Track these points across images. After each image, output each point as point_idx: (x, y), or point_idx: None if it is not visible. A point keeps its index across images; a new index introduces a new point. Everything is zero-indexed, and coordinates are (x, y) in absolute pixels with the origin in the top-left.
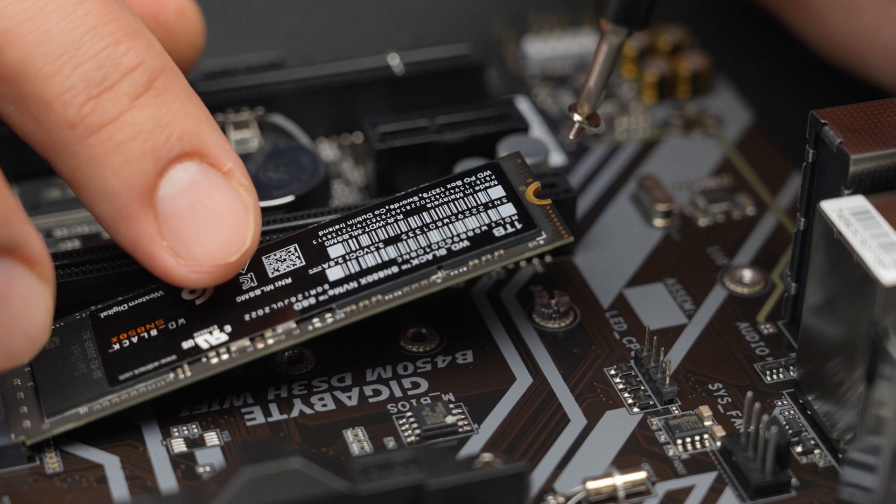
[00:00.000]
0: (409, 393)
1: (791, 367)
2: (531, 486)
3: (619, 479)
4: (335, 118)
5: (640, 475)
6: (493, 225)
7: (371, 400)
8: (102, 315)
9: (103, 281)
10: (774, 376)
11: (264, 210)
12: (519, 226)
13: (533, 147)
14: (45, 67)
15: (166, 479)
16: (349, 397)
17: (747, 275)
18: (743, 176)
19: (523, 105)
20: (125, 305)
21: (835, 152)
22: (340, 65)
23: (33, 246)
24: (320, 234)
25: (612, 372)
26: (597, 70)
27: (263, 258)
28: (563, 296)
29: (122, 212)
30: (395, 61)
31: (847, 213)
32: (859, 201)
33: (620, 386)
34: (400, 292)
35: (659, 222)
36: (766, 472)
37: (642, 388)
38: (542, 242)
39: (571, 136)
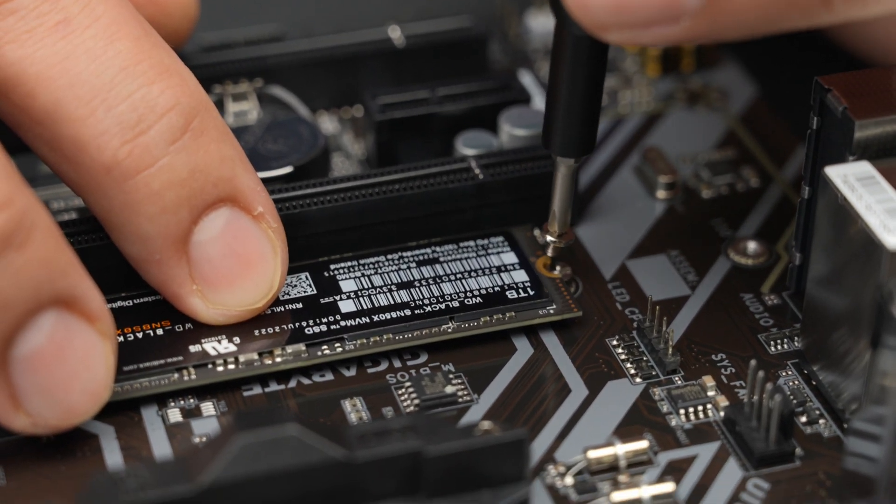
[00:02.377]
0: (409, 364)
1: (796, 338)
2: (531, 455)
3: (621, 449)
4: (335, 91)
5: (642, 444)
6: (506, 287)
7: (370, 370)
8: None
9: (102, 251)
10: (779, 347)
11: (262, 180)
12: (531, 292)
13: (535, 119)
14: (77, 111)
15: (162, 449)
16: (348, 368)
17: (751, 246)
18: (747, 149)
19: (526, 79)
20: (130, 301)
21: (839, 118)
22: (341, 37)
23: (93, 301)
24: (332, 267)
25: (615, 342)
26: (557, 195)
27: None
28: (566, 267)
29: (154, 256)
30: (395, 34)
31: (852, 178)
32: (864, 167)
33: (623, 356)
34: (411, 335)
35: (662, 194)
36: (769, 442)
37: (645, 358)
38: (551, 312)
39: (549, 254)
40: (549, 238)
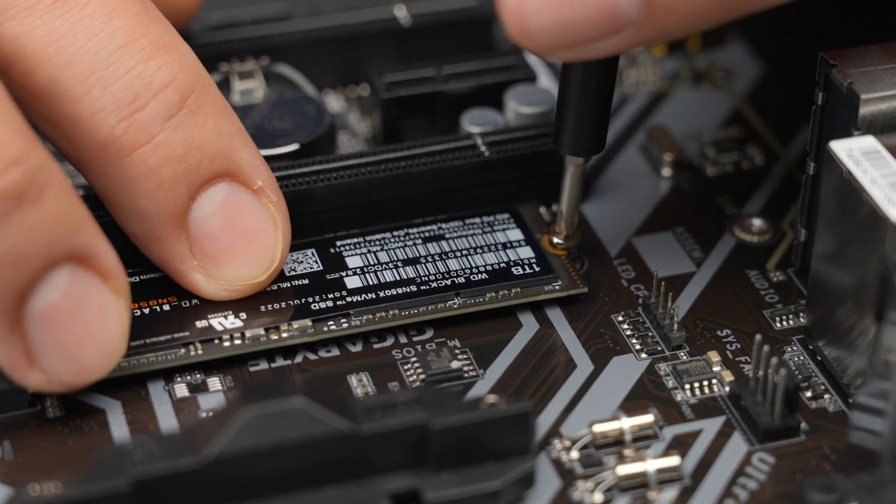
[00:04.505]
0: (415, 339)
1: (801, 314)
2: (537, 428)
3: (626, 423)
4: (341, 70)
5: (648, 419)
6: (512, 264)
7: (376, 346)
8: None
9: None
10: (784, 323)
11: (268, 158)
12: (537, 269)
13: (540, 97)
14: (74, 88)
15: (168, 424)
16: (354, 343)
17: (757, 223)
18: (753, 127)
19: (532, 57)
20: (136, 278)
21: (844, 93)
22: (347, 16)
23: (107, 259)
24: (338, 244)
25: (620, 318)
26: (566, 195)
27: None
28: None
29: (154, 233)
30: (401, 13)
31: (857, 152)
32: (869, 141)
33: (628, 332)
34: (416, 311)
35: (668, 172)
36: (775, 416)
37: (650, 334)
38: (557, 288)
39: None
40: (555, 240)
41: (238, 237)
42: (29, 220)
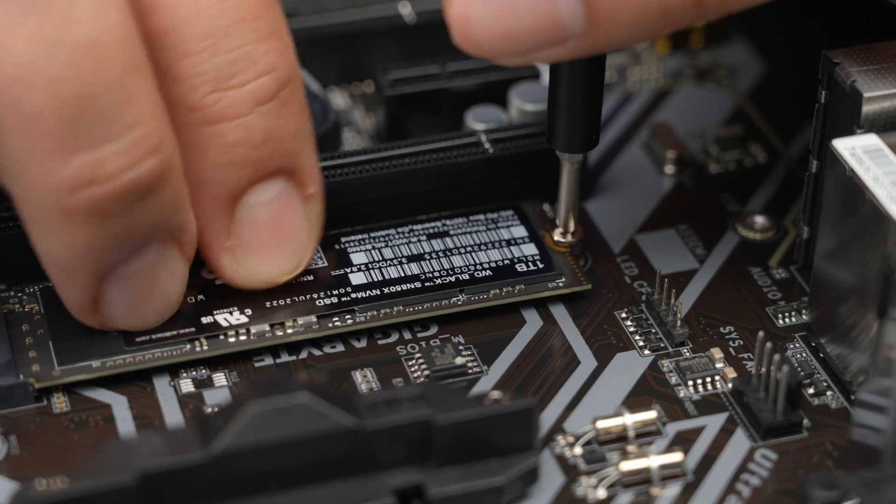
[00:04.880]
0: (419, 335)
1: (803, 311)
2: (540, 425)
3: (629, 419)
4: (346, 67)
5: (651, 415)
6: (516, 261)
7: (380, 342)
8: None
9: None
10: (787, 320)
11: None
12: (540, 265)
13: (544, 94)
14: (185, 45)
15: (174, 419)
16: (358, 339)
17: (759, 221)
18: (755, 125)
19: None
20: None
21: (847, 91)
22: (351, 13)
23: (190, 232)
24: (343, 240)
25: (623, 315)
26: (564, 192)
27: None
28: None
29: (203, 202)
30: (406, 10)
31: (859, 150)
32: (872, 139)
33: (631, 329)
34: (421, 307)
35: (671, 169)
36: (777, 413)
37: (653, 330)
38: (561, 285)
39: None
40: (557, 238)
41: (276, 234)
42: (152, 205)
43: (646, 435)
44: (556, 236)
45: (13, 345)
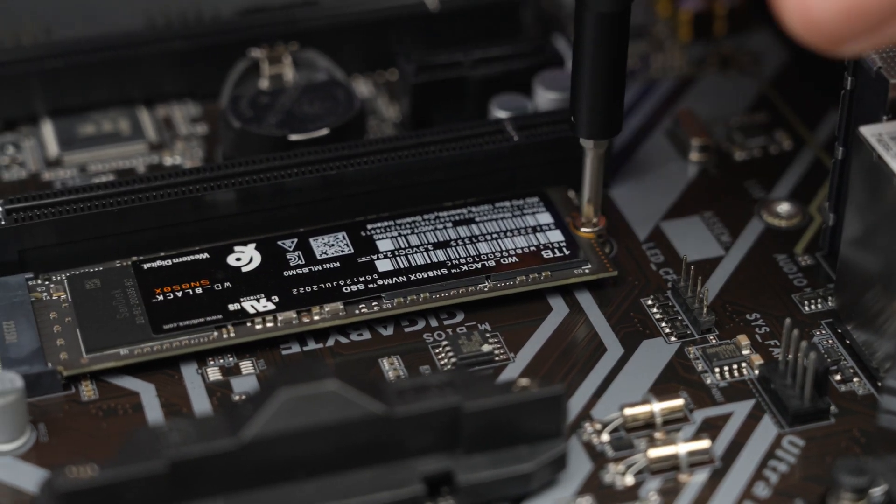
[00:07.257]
0: (445, 323)
1: (829, 298)
2: (568, 412)
3: (657, 406)
4: (370, 55)
5: (678, 402)
6: (542, 247)
7: (407, 330)
8: (145, 266)
9: (142, 211)
10: (813, 306)
11: (298, 143)
12: (566, 252)
13: (568, 82)
14: None
15: (201, 407)
16: (385, 327)
17: (785, 208)
18: (780, 112)
19: (560, 42)
20: (169, 261)
21: (873, 78)
22: (375, 1)
23: None
24: (369, 227)
25: (649, 302)
26: (588, 180)
27: (311, 240)
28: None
29: None
30: None
31: (886, 137)
32: None
33: (657, 316)
34: (447, 294)
35: (695, 156)
36: (804, 399)
37: (679, 317)
38: (587, 271)
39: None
40: (582, 229)
41: None
42: None
43: (673, 422)
44: (581, 222)
45: (41, 333)
